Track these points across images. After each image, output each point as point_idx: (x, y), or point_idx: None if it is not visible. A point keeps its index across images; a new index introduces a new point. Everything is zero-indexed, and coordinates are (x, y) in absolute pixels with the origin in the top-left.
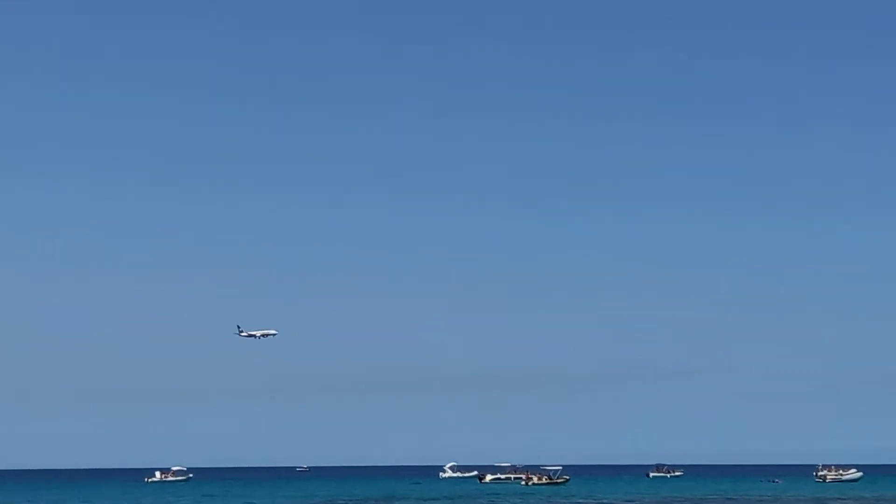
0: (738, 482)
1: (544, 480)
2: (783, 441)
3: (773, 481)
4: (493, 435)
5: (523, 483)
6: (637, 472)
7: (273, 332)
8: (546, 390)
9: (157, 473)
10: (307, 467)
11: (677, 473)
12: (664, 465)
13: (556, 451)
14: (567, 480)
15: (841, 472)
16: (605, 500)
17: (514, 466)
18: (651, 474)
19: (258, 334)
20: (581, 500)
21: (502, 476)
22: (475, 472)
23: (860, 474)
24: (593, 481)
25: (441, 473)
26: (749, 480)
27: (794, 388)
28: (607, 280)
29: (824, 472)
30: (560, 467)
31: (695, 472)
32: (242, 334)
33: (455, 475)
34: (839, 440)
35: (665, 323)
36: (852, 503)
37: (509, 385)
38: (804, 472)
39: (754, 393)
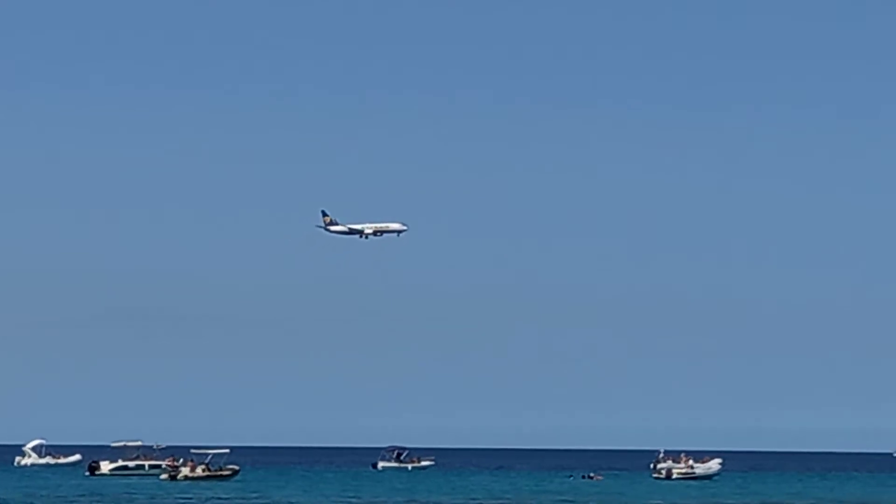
0: (530, 477)
1: (200, 472)
2: (604, 415)
3: (589, 477)
4: (113, 396)
5: (165, 477)
6: (362, 458)
7: (398, 226)
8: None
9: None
10: None
11: (424, 462)
12: (403, 449)
13: (223, 427)
14: (236, 473)
15: (692, 462)
16: None
17: (148, 448)
18: (381, 464)
19: (369, 229)
20: None
21: (130, 464)
22: (78, 456)
23: (719, 466)
24: (280, 475)
25: (19, 458)
26: (548, 475)
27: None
28: None
29: (667, 462)
30: (227, 451)
31: (454, 458)
32: (333, 229)
33: (43, 461)
34: (688, 414)
35: None
36: None
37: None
38: (639, 461)
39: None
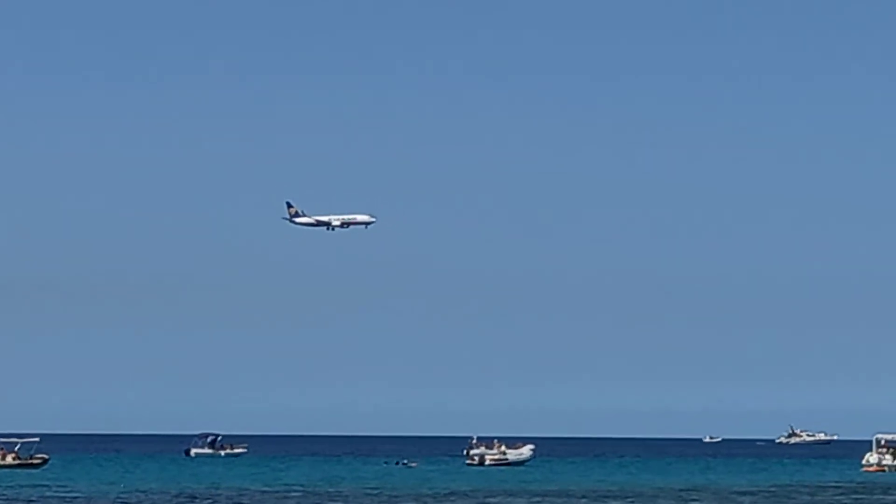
0: (343, 463)
1: (10, 460)
2: (422, 400)
3: (403, 463)
4: None
5: None
6: (175, 445)
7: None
8: None
9: None
10: None
11: (238, 450)
12: (216, 436)
13: (33, 413)
14: (45, 461)
15: (505, 448)
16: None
17: None
18: (194, 451)
19: (336, 221)
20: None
21: None
22: None
23: (530, 452)
24: (91, 462)
25: None
26: (363, 461)
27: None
28: None
29: (480, 448)
30: (37, 439)
31: (268, 445)
32: (299, 220)
33: None
34: (499, 397)
35: None
36: None
37: None
38: (455, 447)
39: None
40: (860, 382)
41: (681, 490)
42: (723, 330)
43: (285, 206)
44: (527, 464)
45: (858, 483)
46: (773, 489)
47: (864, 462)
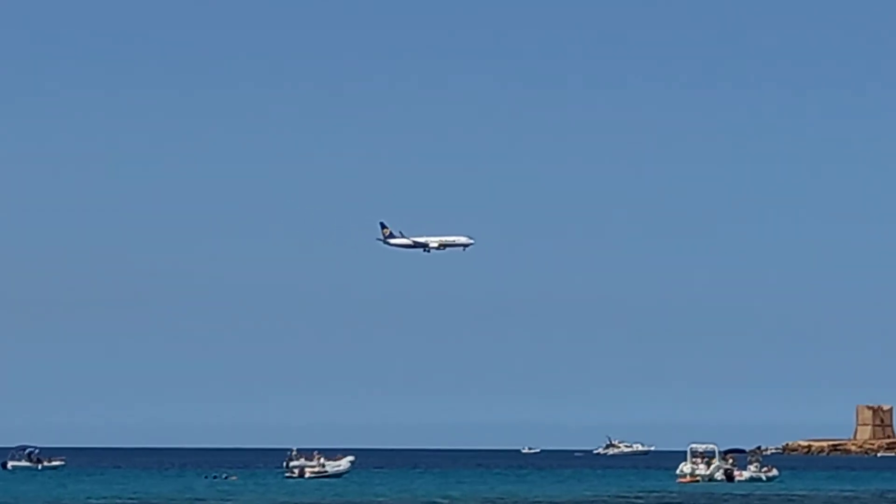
0: (161, 476)
1: None
2: (243, 413)
3: (223, 477)
4: None
5: None
6: None
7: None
8: None
9: None
10: None
11: (56, 462)
12: (34, 448)
13: None
14: None
15: (325, 460)
16: None
17: None
18: (11, 463)
19: (434, 243)
20: None
21: None
22: None
23: (349, 464)
24: None
25: None
26: (181, 474)
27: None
28: None
29: (300, 460)
30: None
31: (84, 457)
32: (394, 242)
33: None
34: (321, 412)
35: None
36: None
37: None
38: (273, 460)
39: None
40: (676, 395)
41: (491, 500)
42: (541, 344)
43: (379, 226)
44: (345, 476)
45: (669, 492)
46: (579, 500)
47: (678, 472)
